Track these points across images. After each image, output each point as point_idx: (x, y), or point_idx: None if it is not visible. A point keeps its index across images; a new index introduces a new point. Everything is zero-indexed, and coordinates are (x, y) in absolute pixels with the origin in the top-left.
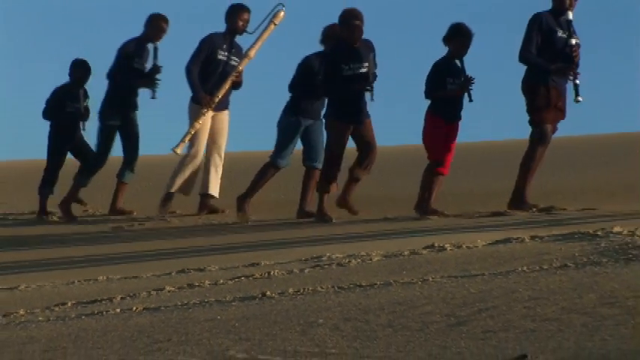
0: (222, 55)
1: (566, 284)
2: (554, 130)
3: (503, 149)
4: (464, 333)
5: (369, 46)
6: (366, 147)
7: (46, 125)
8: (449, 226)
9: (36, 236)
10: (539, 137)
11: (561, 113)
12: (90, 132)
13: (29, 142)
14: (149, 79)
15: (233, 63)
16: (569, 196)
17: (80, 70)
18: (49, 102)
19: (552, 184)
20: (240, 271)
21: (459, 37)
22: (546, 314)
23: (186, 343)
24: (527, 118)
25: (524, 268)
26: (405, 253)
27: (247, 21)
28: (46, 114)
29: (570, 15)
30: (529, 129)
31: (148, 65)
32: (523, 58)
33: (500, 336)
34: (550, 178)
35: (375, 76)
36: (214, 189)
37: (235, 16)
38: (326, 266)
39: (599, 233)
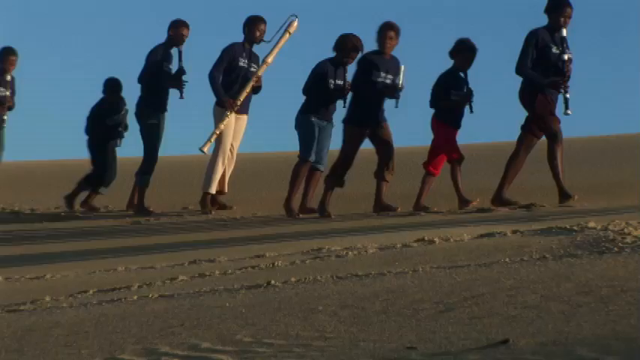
0: (242, 63)
1: (544, 274)
2: (541, 136)
3: (489, 150)
4: (451, 319)
5: (397, 61)
6: (385, 148)
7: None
8: (438, 222)
9: (61, 230)
10: (551, 138)
11: (557, 118)
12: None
13: (54, 142)
14: (177, 81)
15: (252, 69)
16: (548, 194)
17: (113, 87)
18: (89, 119)
19: (532, 183)
20: (247, 262)
21: (464, 52)
22: (527, 302)
23: (198, 327)
24: (518, 122)
25: (507, 259)
26: (398, 245)
27: (264, 31)
28: (87, 130)
29: (564, 32)
30: (516, 132)
31: (173, 68)
32: (519, 70)
33: (485, 322)
34: (530, 177)
35: (402, 88)
36: (224, 186)
37: (253, 26)
38: (325, 258)
39: (575, 228)
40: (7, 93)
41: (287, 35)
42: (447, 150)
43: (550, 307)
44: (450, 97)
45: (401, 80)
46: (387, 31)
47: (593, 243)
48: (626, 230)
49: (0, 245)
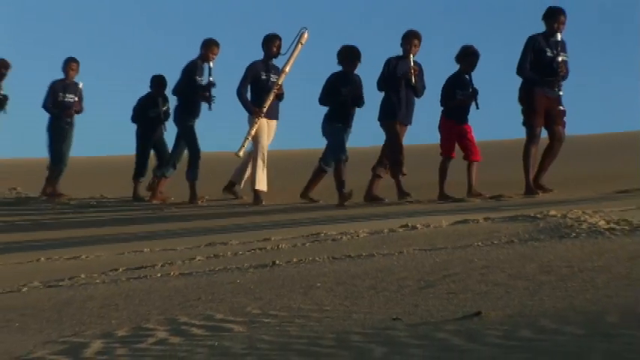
0: (263, 76)
1: (512, 256)
2: (564, 125)
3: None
4: (431, 294)
5: (417, 62)
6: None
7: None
8: (419, 210)
9: (95, 218)
10: (530, 138)
11: (558, 115)
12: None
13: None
14: (206, 93)
15: (273, 79)
16: (515, 186)
17: (158, 83)
18: (134, 109)
19: (503, 177)
20: (255, 244)
21: (468, 57)
22: (496, 280)
23: (213, 301)
24: (521, 120)
25: (479, 243)
26: (385, 231)
27: (280, 45)
28: (133, 119)
29: (559, 36)
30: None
31: (204, 81)
32: (519, 71)
33: (460, 296)
34: (501, 172)
35: (423, 86)
36: (241, 181)
37: (270, 43)
38: (323, 241)
39: (538, 216)
40: (75, 98)
41: (299, 46)
42: (442, 144)
43: (516, 284)
44: (456, 97)
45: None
46: (413, 39)
47: (553, 229)
48: (582, 218)
49: (44, 230)
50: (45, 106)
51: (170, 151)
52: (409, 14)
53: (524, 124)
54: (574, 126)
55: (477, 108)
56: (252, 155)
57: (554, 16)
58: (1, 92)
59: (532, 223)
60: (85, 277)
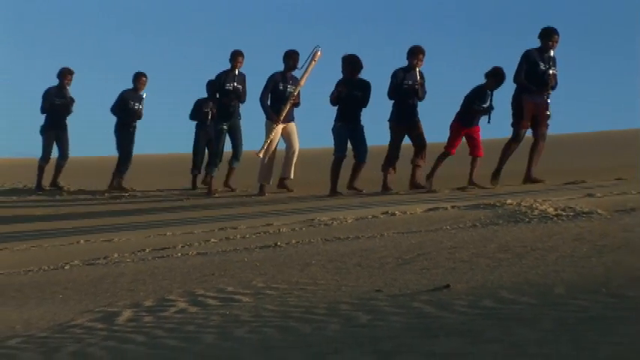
0: (282, 86)
1: (475, 238)
2: (547, 127)
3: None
4: (408, 270)
5: (421, 72)
6: (418, 141)
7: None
8: (398, 200)
9: (126, 207)
10: (514, 137)
11: (543, 119)
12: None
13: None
14: (235, 95)
15: (289, 89)
16: (479, 180)
17: (213, 88)
18: (195, 110)
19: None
20: (260, 229)
21: (496, 77)
22: (462, 257)
23: (225, 276)
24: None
25: (448, 227)
26: (369, 217)
27: (297, 60)
28: (193, 116)
29: (552, 53)
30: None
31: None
32: (515, 80)
33: (432, 272)
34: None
35: (424, 92)
36: (290, 174)
37: (289, 58)
38: (316, 226)
39: (497, 204)
40: (141, 107)
41: (313, 62)
42: (449, 141)
43: (479, 262)
44: (474, 106)
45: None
46: (419, 54)
47: (510, 215)
48: (534, 206)
49: (87, 218)
50: (113, 111)
51: (215, 146)
52: (410, 17)
53: (513, 125)
54: (567, 125)
55: (489, 122)
56: (286, 153)
57: (548, 36)
58: (69, 96)
59: (492, 210)
60: (118, 257)
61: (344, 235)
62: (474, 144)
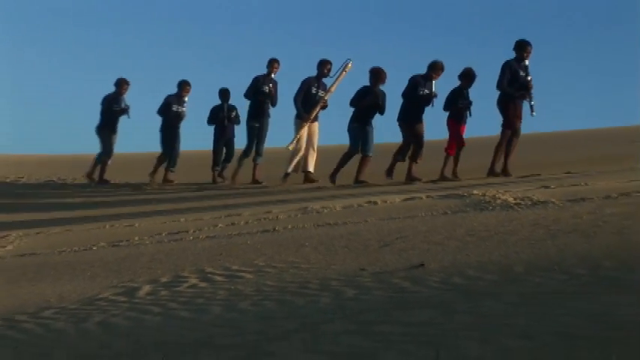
0: (314, 90)
1: (446, 223)
2: (511, 130)
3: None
4: (388, 251)
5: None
6: (416, 140)
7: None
8: (380, 191)
9: (149, 197)
10: (513, 131)
11: (519, 119)
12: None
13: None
14: (268, 97)
15: (321, 94)
16: (469, 173)
17: (223, 94)
18: (211, 116)
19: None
20: (261, 215)
21: (468, 77)
22: (435, 240)
23: (230, 256)
24: (500, 122)
25: (422, 214)
26: (355, 205)
27: (330, 69)
28: (209, 122)
29: (527, 62)
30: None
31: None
32: (499, 87)
33: (409, 252)
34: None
35: (435, 96)
36: (311, 167)
37: (323, 66)
38: (309, 213)
39: (465, 194)
40: (183, 110)
41: (344, 73)
42: (452, 136)
43: (449, 244)
44: (458, 104)
45: (434, 89)
46: (439, 70)
47: (476, 203)
48: (497, 196)
49: (112, 207)
50: (159, 113)
51: (248, 143)
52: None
53: (504, 125)
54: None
55: (469, 115)
56: (306, 149)
57: (523, 47)
58: (125, 103)
59: (460, 200)
60: (138, 239)
61: (333, 221)
62: (456, 141)
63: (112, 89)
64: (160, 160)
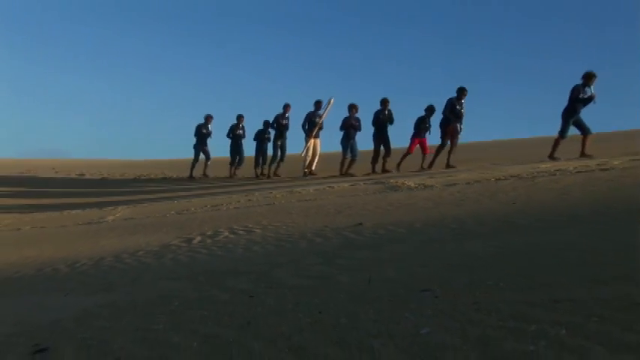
0: (313, 118)
1: (374, 199)
2: (457, 140)
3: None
4: (341, 216)
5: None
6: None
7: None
8: (337, 180)
9: (196, 185)
10: (443, 145)
11: (456, 135)
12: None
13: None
14: (285, 127)
15: (316, 121)
16: (412, 167)
17: (266, 124)
18: (228, 134)
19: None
20: (265, 194)
21: (432, 111)
22: (369, 209)
23: (247, 219)
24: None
25: (361, 193)
26: (320, 188)
27: (320, 106)
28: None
29: (463, 100)
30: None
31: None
32: (444, 113)
33: (353, 216)
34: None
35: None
36: (314, 166)
37: (317, 104)
38: (295, 193)
39: (384, 181)
40: (240, 132)
41: (329, 106)
42: (447, 136)
43: (377, 211)
44: (422, 127)
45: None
46: (465, 94)
47: (392, 187)
48: (405, 182)
49: (178, 192)
50: (227, 135)
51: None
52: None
53: (445, 137)
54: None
55: (429, 133)
56: (312, 155)
57: (462, 92)
58: (210, 130)
59: (383, 185)
60: (193, 210)
61: (308, 198)
62: (424, 147)
63: (201, 120)
64: (231, 163)
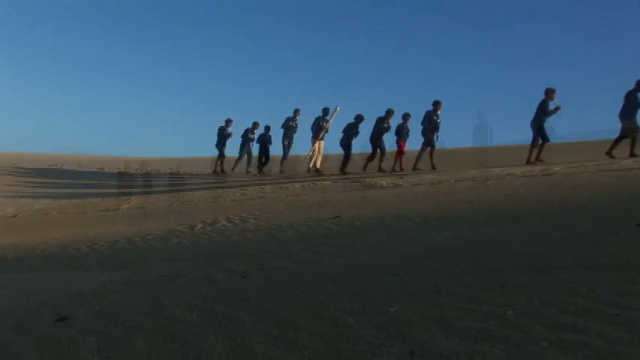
0: (321, 123)
1: (352, 195)
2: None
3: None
4: (322, 209)
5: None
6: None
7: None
8: (320, 178)
9: (205, 179)
10: (431, 147)
11: (432, 142)
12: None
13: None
14: (294, 129)
15: (324, 124)
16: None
17: (266, 128)
18: (243, 136)
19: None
20: (258, 189)
21: (408, 119)
22: (345, 204)
23: (242, 210)
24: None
25: (339, 190)
26: (306, 185)
27: (328, 111)
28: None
29: (439, 112)
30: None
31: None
32: (424, 123)
33: (333, 210)
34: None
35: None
36: (319, 165)
37: (325, 111)
38: (284, 189)
39: (360, 180)
40: (253, 136)
41: (335, 113)
42: (399, 148)
43: (353, 205)
44: (403, 132)
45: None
46: (440, 106)
47: (367, 185)
48: (378, 182)
49: (188, 185)
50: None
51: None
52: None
53: (424, 143)
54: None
55: (408, 137)
56: (317, 155)
57: (437, 104)
58: (231, 132)
59: (359, 183)
60: (196, 201)
61: (295, 194)
62: (401, 150)
63: (222, 123)
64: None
